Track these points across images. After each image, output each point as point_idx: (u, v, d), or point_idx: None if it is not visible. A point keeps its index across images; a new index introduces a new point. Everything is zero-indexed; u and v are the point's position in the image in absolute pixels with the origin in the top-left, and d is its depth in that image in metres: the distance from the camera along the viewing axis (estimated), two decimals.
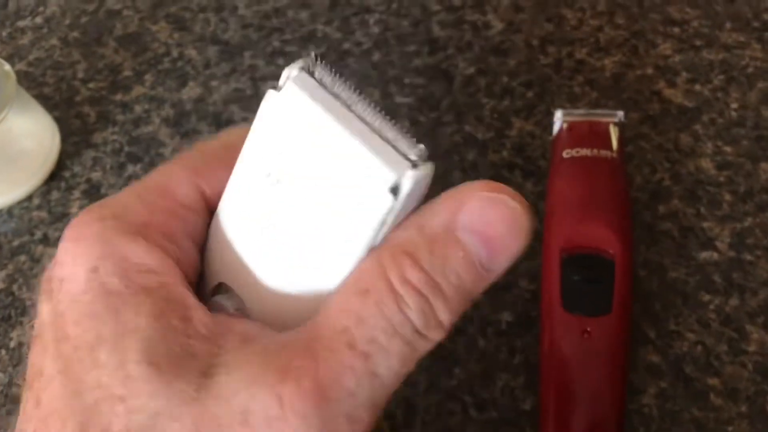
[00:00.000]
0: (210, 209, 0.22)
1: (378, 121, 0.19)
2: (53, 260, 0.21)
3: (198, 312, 0.19)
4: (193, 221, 0.21)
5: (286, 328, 0.19)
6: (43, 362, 0.19)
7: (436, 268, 0.18)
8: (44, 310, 0.20)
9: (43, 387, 0.19)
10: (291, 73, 0.19)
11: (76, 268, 0.19)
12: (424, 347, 0.19)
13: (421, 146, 0.18)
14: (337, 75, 0.19)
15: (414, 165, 0.18)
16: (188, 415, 0.17)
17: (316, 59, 0.19)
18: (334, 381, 0.17)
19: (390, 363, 0.18)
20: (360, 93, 0.19)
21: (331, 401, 0.17)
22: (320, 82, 0.19)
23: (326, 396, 0.17)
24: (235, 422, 0.17)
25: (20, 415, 0.19)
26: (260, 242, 0.21)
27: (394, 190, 0.18)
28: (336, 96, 0.19)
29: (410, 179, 0.18)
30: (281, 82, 0.19)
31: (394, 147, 0.18)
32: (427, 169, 0.18)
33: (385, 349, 0.17)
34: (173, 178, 0.22)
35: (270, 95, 0.20)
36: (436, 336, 0.19)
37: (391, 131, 0.18)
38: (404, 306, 0.18)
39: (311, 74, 0.19)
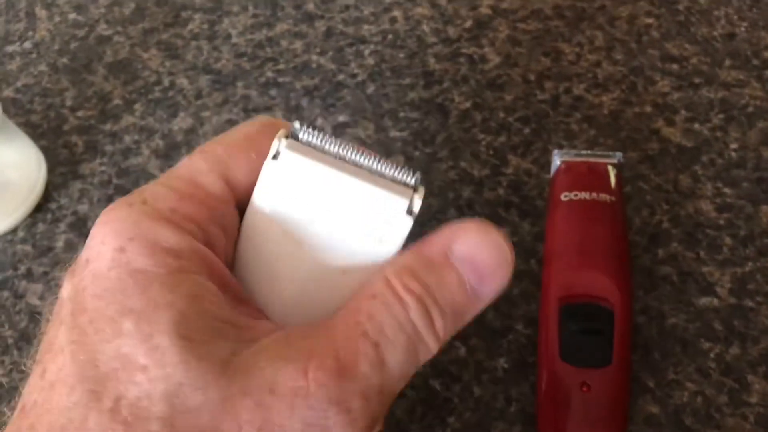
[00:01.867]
0: (237, 199, 0.23)
1: (371, 161, 0.22)
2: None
3: (230, 301, 0.21)
4: (221, 210, 0.22)
5: None
6: (56, 335, 0.19)
7: (432, 283, 0.21)
8: (65, 288, 0.20)
9: (52, 358, 0.19)
10: (281, 141, 0.22)
11: (103, 247, 0.20)
12: (423, 353, 0.21)
13: (417, 174, 0.22)
14: (320, 132, 0.22)
15: (415, 189, 0.22)
16: (215, 387, 0.18)
17: (300, 126, 0.22)
18: (351, 363, 0.19)
19: (396, 354, 0.20)
20: (345, 143, 0.22)
21: (348, 379, 0.19)
22: (309, 144, 0.22)
23: (345, 374, 0.19)
24: (263, 392, 0.18)
25: (24, 388, 0.19)
26: (281, 281, 0.23)
27: (410, 212, 0.22)
28: (326, 151, 0.22)
29: (418, 199, 0.22)
30: (273, 151, 0.22)
31: (393, 179, 0.22)
32: (423, 190, 0.22)
33: (392, 341, 0.20)
34: (199, 169, 0.22)
35: (269, 164, 0.22)
36: (433, 344, 0.21)
37: (385, 167, 0.22)
38: (407, 307, 0.20)
39: (297, 138, 0.22)
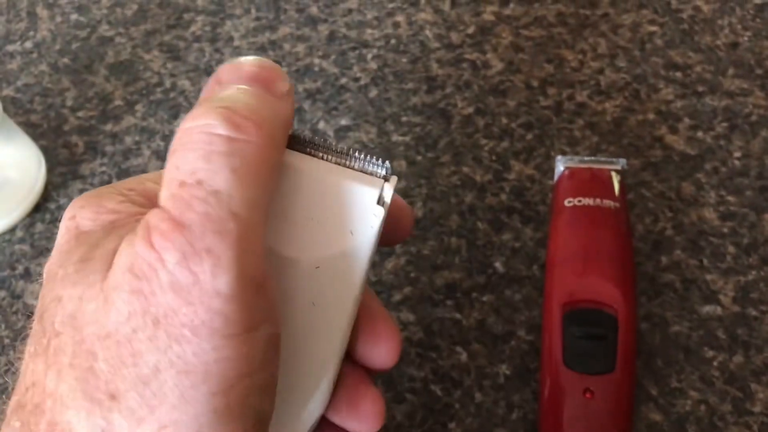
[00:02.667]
0: None
1: (340, 155, 0.22)
2: None
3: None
4: None
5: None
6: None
7: (209, 95, 0.21)
8: None
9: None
10: None
11: (62, 222, 0.22)
12: (268, 114, 0.20)
13: (387, 163, 0.22)
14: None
15: (386, 178, 0.22)
16: (98, 294, 0.19)
17: None
18: (184, 216, 0.18)
19: (222, 174, 0.19)
20: (313, 138, 0.22)
21: (188, 233, 0.18)
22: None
23: (183, 230, 0.18)
24: (130, 279, 0.19)
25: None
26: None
27: (381, 202, 0.21)
28: (295, 149, 0.22)
29: (389, 188, 0.22)
30: None
31: (363, 170, 0.22)
32: (395, 180, 0.22)
33: (211, 169, 0.19)
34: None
35: None
36: (249, 129, 0.20)
37: (354, 160, 0.22)
38: (208, 128, 0.19)
39: None
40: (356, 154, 0.22)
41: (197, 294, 0.18)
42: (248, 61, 0.23)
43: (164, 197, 0.19)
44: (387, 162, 0.22)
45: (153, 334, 0.18)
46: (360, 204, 0.21)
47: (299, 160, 0.22)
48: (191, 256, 0.18)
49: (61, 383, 0.19)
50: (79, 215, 0.21)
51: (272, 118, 0.21)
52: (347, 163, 0.22)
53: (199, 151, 0.19)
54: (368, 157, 0.22)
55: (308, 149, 0.22)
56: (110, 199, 0.22)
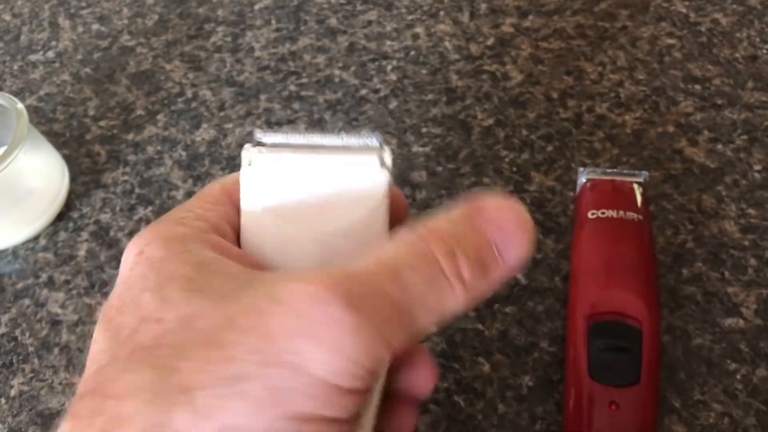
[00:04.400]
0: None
1: (334, 139, 0.24)
2: None
3: (235, 261, 0.21)
4: (226, 209, 0.24)
5: None
6: (95, 338, 0.21)
7: (458, 232, 0.21)
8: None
9: (90, 349, 0.21)
10: (250, 150, 0.23)
11: (125, 258, 0.22)
12: (449, 294, 0.20)
13: (378, 135, 0.24)
14: (280, 130, 0.25)
15: (381, 147, 0.23)
16: (218, 310, 0.19)
17: (263, 132, 0.24)
18: (363, 277, 0.19)
19: (417, 280, 0.20)
20: (306, 132, 0.25)
21: (358, 283, 0.19)
22: (275, 144, 0.24)
23: (354, 279, 0.19)
24: (263, 301, 0.19)
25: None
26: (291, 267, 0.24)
27: (383, 164, 0.23)
28: (292, 145, 0.24)
29: (388, 154, 0.23)
30: (246, 160, 0.23)
31: (358, 147, 0.24)
32: (389, 149, 0.24)
33: (414, 268, 0.20)
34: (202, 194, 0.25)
35: (246, 171, 0.23)
36: (459, 288, 0.21)
37: (348, 140, 0.24)
38: (432, 246, 0.20)
39: (263, 144, 0.24)
40: (349, 136, 0.24)
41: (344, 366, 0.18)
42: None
43: (355, 265, 0.20)
44: (377, 134, 0.24)
45: (261, 347, 0.18)
46: (365, 173, 0.23)
47: (300, 151, 0.23)
48: (339, 302, 0.19)
49: (132, 374, 0.19)
50: (146, 250, 0.21)
51: (477, 289, 0.21)
52: (343, 143, 0.24)
53: (414, 259, 0.20)
54: (360, 136, 0.24)
55: (305, 142, 0.24)
56: (174, 229, 0.22)
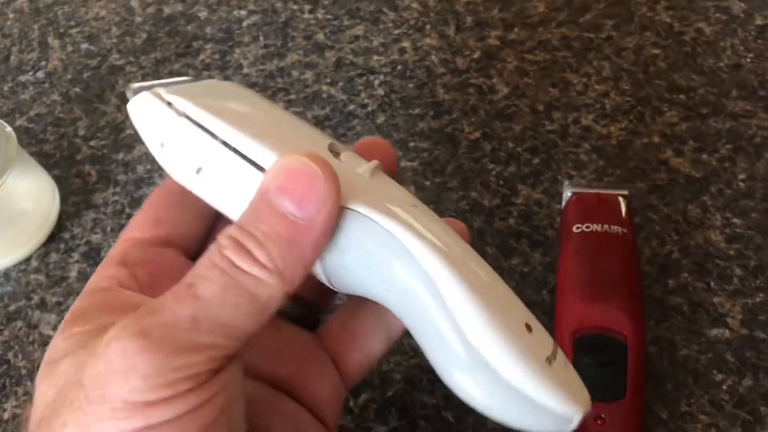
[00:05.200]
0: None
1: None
2: None
3: (106, 316, 0.23)
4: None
5: None
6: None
7: (248, 222, 0.22)
8: None
9: None
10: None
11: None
12: (258, 286, 0.21)
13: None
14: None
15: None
16: (72, 376, 0.22)
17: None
18: (153, 306, 0.21)
19: (211, 288, 0.21)
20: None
21: (147, 315, 0.21)
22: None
23: (143, 312, 0.21)
24: (91, 357, 0.21)
25: None
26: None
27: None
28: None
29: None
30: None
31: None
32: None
33: (205, 277, 0.21)
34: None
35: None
36: (266, 276, 0.21)
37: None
38: (221, 248, 0.22)
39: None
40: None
41: None
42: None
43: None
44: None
45: (75, 397, 0.21)
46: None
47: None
48: (133, 336, 0.21)
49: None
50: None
51: (286, 260, 0.22)
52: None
53: (205, 261, 0.22)
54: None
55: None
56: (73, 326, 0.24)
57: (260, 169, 0.23)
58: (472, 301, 0.21)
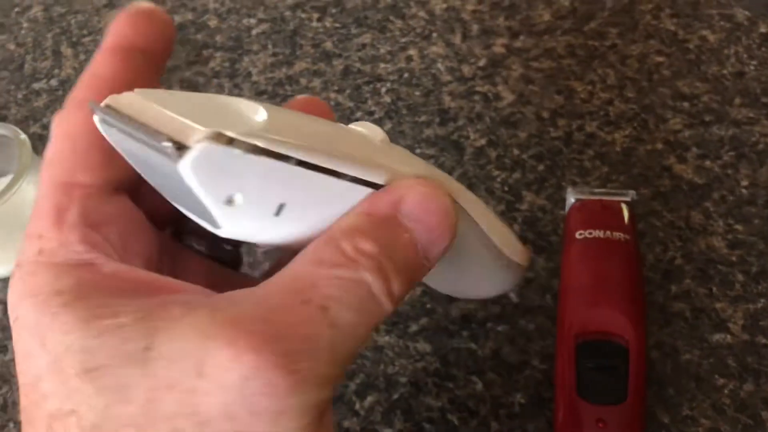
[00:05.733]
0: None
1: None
2: None
3: (126, 301, 0.19)
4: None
5: None
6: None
7: (385, 243, 0.20)
8: None
9: None
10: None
11: (10, 322, 0.21)
12: (378, 314, 0.20)
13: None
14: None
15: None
16: (139, 389, 0.18)
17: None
18: (289, 329, 0.18)
19: (348, 316, 0.19)
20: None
21: (289, 341, 0.18)
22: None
23: (283, 337, 0.18)
24: (190, 378, 0.17)
25: None
26: None
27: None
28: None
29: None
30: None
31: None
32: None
33: (343, 302, 0.19)
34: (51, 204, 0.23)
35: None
36: (387, 305, 0.20)
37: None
38: (360, 268, 0.19)
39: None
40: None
41: None
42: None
43: (274, 298, 0.19)
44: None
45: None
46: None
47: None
48: (276, 369, 0.18)
49: None
50: (20, 315, 0.20)
51: (405, 294, 0.21)
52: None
53: (340, 282, 0.19)
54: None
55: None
56: (42, 277, 0.20)
57: (364, 183, 0.21)
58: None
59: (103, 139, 0.21)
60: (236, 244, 0.29)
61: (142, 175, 0.22)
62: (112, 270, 0.20)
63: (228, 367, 0.17)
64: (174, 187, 0.21)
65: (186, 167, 0.18)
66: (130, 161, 0.22)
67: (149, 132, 0.19)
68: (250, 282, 0.24)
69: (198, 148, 0.18)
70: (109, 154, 0.22)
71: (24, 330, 0.20)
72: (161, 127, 0.19)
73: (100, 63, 0.23)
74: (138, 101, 0.20)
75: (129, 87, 0.21)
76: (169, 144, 0.18)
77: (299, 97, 0.26)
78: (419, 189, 0.21)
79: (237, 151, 0.19)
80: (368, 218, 0.20)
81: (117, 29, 0.24)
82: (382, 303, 0.20)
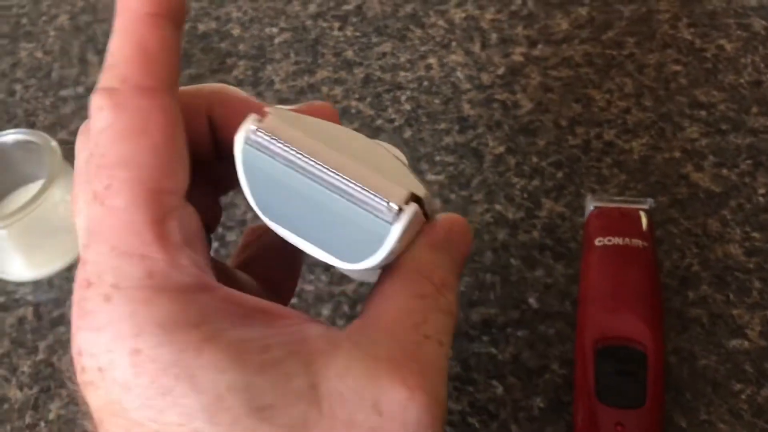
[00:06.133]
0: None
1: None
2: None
3: (260, 330, 0.19)
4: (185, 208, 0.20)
5: None
6: None
7: (455, 272, 0.23)
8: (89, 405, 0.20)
9: None
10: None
11: (112, 357, 0.18)
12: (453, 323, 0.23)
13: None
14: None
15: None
16: (318, 428, 0.18)
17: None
18: (430, 362, 0.20)
19: (448, 338, 0.22)
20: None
21: (431, 375, 0.20)
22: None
23: (428, 373, 0.20)
24: (370, 414, 0.18)
25: None
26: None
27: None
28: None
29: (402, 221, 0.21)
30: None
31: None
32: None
33: (443, 330, 0.21)
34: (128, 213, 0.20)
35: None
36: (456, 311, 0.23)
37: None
38: (449, 300, 0.22)
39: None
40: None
41: None
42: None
43: (397, 333, 0.21)
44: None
45: None
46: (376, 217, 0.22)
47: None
48: (432, 405, 0.20)
49: None
50: (143, 347, 0.18)
51: None
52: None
53: (439, 315, 0.22)
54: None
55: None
56: (156, 309, 0.18)
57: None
58: None
59: (177, 134, 0.20)
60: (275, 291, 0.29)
61: (251, 197, 0.22)
62: (224, 294, 0.19)
63: (406, 405, 0.19)
64: (311, 219, 0.22)
65: (399, 228, 0.21)
66: (249, 183, 0.22)
67: (356, 187, 0.21)
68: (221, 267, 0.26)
69: (411, 210, 0.21)
70: (183, 153, 0.20)
71: (153, 367, 0.17)
72: (361, 180, 0.21)
73: (145, 35, 0.20)
74: (287, 130, 0.21)
75: (175, 62, 0.20)
76: (389, 204, 0.21)
77: (316, 103, 0.26)
78: (457, 217, 0.24)
79: (419, 212, 0.21)
80: (436, 250, 0.23)
81: None
82: (454, 313, 0.23)
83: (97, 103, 0.20)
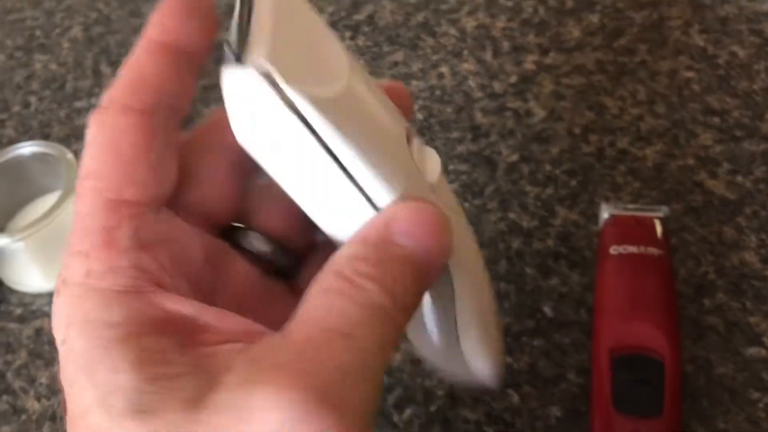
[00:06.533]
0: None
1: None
2: None
3: (174, 346, 0.20)
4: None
5: None
6: None
7: (384, 263, 0.21)
8: None
9: None
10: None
11: (57, 341, 0.21)
12: (394, 330, 0.21)
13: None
14: None
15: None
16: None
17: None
18: (319, 361, 0.19)
19: (368, 336, 0.20)
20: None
21: (318, 377, 0.19)
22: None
23: (314, 369, 0.19)
24: (238, 422, 0.18)
25: None
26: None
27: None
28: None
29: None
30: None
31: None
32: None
33: (360, 324, 0.20)
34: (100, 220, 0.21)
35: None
36: (401, 321, 0.21)
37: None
38: (367, 291, 0.20)
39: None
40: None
41: None
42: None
43: (300, 333, 0.20)
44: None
45: None
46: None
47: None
48: (321, 404, 0.19)
49: None
50: (68, 337, 0.20)
51: (413, 307, 0.22)
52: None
53: (353, 306, 0.20)
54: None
55: None
56: (90, 306, 0.20)
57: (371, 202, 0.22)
58: None
59: (150, 150, 0.21)
60: (301, 252, 0.28)
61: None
62: (159, 303, 0.21)
63: (273, 407, 0.18)
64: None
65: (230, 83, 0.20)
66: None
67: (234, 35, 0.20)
68: (285, 296, 0.26)
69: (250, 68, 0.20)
70: (156, 166, 0.22)
71: (72, 356, 0.20)
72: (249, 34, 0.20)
73: (144, 61, 0.22)
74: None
75: (174, 90, 0.22)
76: (231, 48, 0.19)
77: (385, 83, 0.26)
78: (410, 204, 0.22)
79: (276, 98, 0.20)
80: (363, 243, 0.21)
81: (161, 22, 0.22)
82: (394, 318, 0.21)
83: (90, 120, 0.22)
